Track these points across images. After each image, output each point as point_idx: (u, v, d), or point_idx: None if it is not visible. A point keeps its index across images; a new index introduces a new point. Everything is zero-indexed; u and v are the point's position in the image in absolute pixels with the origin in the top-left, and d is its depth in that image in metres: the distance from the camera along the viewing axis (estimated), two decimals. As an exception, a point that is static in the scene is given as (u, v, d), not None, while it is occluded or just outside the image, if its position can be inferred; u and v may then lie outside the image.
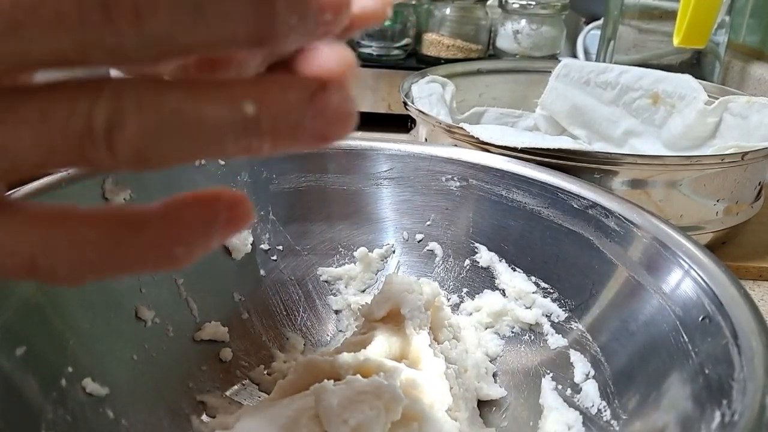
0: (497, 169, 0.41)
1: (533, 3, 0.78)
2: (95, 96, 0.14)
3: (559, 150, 0.44)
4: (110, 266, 0.16)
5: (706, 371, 0.26)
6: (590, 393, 0.33)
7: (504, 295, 0.40)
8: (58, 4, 0.13)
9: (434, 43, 0.79)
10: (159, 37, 0.14)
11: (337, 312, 0.43)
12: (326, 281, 0.43)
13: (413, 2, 0.79)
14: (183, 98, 0.14)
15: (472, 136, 0.47)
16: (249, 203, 0.16)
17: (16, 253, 0.15)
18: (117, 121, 0.14)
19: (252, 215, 0.17)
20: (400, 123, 0.67)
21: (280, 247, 0.42)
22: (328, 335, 0.42)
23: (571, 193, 0.38)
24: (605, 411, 0.32)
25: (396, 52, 0.79)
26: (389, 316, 0.37)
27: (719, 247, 0.51)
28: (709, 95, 0.60)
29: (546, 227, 0.39)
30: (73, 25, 0.13)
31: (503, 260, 0.41)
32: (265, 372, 0.38)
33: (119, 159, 0.14)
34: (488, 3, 0.81)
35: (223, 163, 0.41)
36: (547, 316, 0.38)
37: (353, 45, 0.77)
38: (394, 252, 0.44)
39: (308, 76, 0.16)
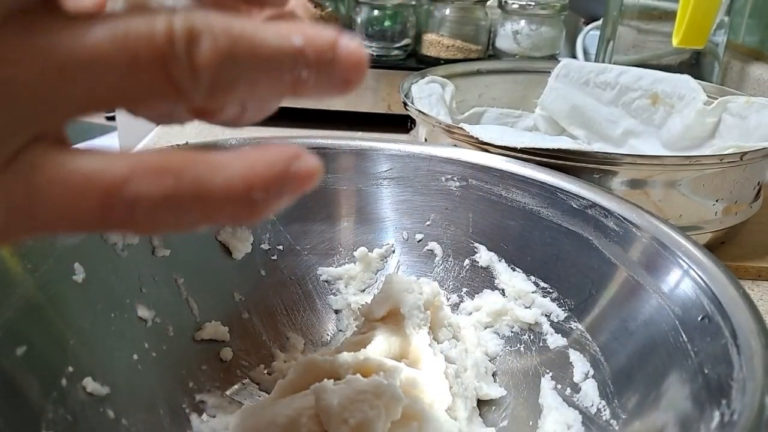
0: (497, 169, 0.41)
1: (533, 3, 0.78)
2: (170, 17, 0.14)
3: (559, 150, 0.44)
4: (188, 208, 0.15)
5: (706, 371, 0.26)
6: (589, 392, 0.33)
7: (503, 294, 0.40)
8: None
9: (434, 43, 0.79)
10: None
11: (337, 312, 0.43)
12: (326, 281, 0.43)
13: (413, 2, 0.79)
14: (246, 26, 0.15)
15: (472, 137, 0.47)
16: (318, 163, 0.16)
17: (87, 192, 0.14)
18: (195, 36, 0.14)
19: (319, 171, 0.16)
20: (400, 123, 0.67)
21: (281, 247, 0.42)
22: (328, 335, 0.42)
23: (571, 193, 0.38)
24: (604, 410, 0.32)
25: (396, 52, 0.79)
26: (389, 315, 0.38)
27: (718, 247, 0.51)
28: (708, 95, 0.60)
29: (545, 227, 0.39)
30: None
31: (503, 260, 0.41)
32: (265, 371, 0.38)
33: (199, 78, 0.14)
34: (488, 3, 0.81)
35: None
36: (546, 315, 0.38)
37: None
38: (393, 252, 0.44)
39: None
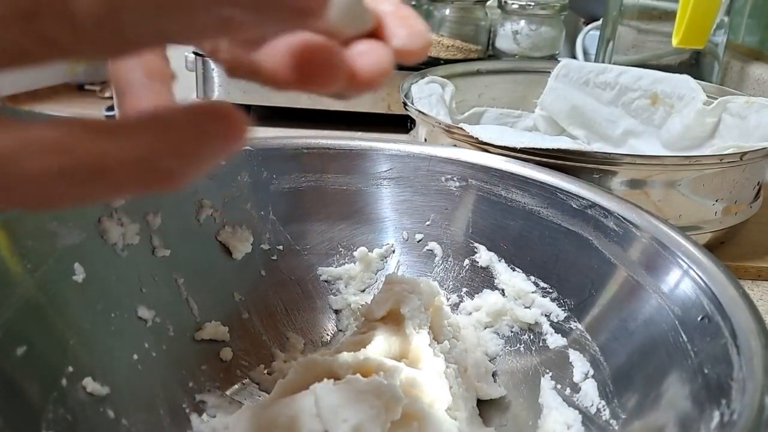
0: (496, 169, 0.41)
1: (532, 3, 0.78)
2: None
3: (558, 150, 0.44)
4: (84, 182, 0.14)
5: (705, 371, 0.26)
6: (589, 392, 0.33)
7: (503, 294, 0.40)
8: None
9: (434, 43, 0.79)
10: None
11: (337, 312, 0.43)
12: (326, 281, 0.43)
13: (413, 2, 0.79)
14: None
15: (472, 137, 0.47)
16: (244, 118, 0.15)
17: None
18: None
19: (246, 130, 0.15)
20: (400, 123, 0.67)
21: (280, 247, 0.42)
22: (328, 335, 0.42)
23: (570, 193, 0.38)
24: (604, 410, 0.32)
25: (395, 52, 0.79)
26: (389, 315, 0.38)
27: (718, 246, 0.51)
28: (707, 95, 0.60)
29: (545, 227, 0.39)
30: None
31: (502, 260, 0.41)
32: (265, 371, 0.38)
33: (78, 28, 0.12)
34: (488, 3, 0.81)
35: (223, 163, 0.41)
36: (546, 315, 0.38)
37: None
38: (393, 252, 0.44)
39: None
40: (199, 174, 0.15)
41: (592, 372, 0.34)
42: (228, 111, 0.15)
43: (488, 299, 0.40)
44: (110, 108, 2.52)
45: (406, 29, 0.20)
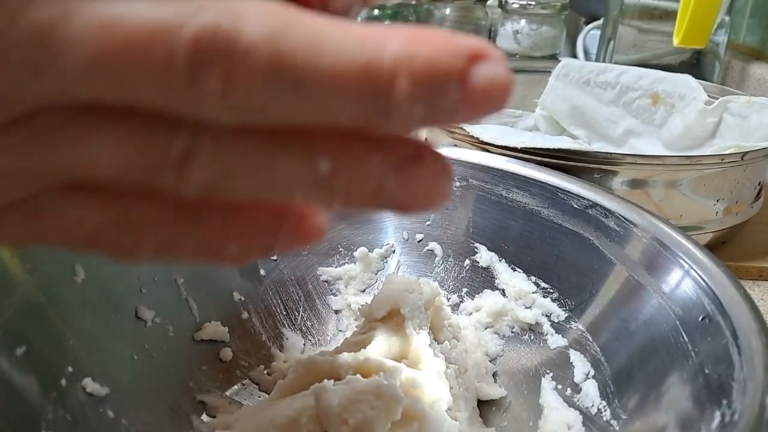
0: (497, 169, 0.41)
1: (533, 3, 0.78)
2: (173, 131, 0.13)
3: (559, 150, 0.44)
4: (168, 248, 0.15)
5: (706, 371, 0.26)
6: (590, 393, 0.33)
7: (504, 294, 0.40)
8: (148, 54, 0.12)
9: (434, 43, 0.79)
10: (246, 108, 0.13)
11: (337, 312, 0.43)
12: (326, 281, 0.43)
13: (413, 2, 0.79)
14: (257, 146, 0.13)
15: (472, 136, 0.47)
16: (320, 220, 0.16)
17: (83, 225, 0.15)
18: (191, 157, 0.13)
19: (322, 233, 0.16)
20: (400, 123, 0.67)
21: (280, 247, 0.42)
22: (328, 335, 0.42)
23: (571, 193, 0.38)
24: (605, 411, 0.32)
25: (396, 52, 0.79)
26: (389, 316, 0.37)
27: (719, 247, 0.51)
28: (708, 95, 0.60)
29: (546, 227, 0.39)
30: (155, 80, 0.12)
31: (503, 260, 0.41)
32: (265, 372, 0.38)
33: (186, 190, 0.14)
34: (488, 3, 0.81)
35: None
36: (546, 315, 0.38)
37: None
38: (394, 252, 0.44)
39: (404, 139, 0.14)
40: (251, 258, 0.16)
41: (592, 372, 0.34)
42: (303, 212, 0.15)
43: (489, 299, 0.40)
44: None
45: None
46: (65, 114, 0.13)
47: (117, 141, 0.13)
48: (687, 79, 0.62)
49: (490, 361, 0.39)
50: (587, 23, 0.89)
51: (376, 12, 0.78)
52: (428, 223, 0.43)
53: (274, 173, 0.13)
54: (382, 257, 0.44)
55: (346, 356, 0.34)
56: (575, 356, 0.35)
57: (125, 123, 0.13)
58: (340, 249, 0.44)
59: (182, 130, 0.13)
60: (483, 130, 0.47)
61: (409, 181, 0.13)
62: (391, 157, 0.13)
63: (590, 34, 0.87)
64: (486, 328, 0.40)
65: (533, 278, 0.39)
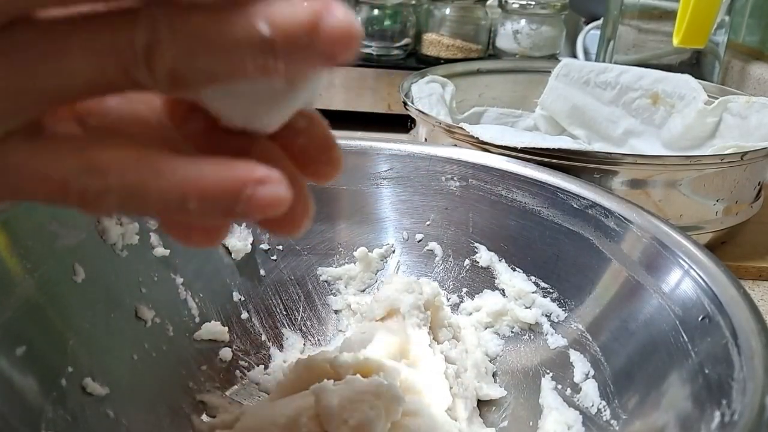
0: (497, 169, 0.41)
1: (533, 3, 0.78)
2: (131, 24, 0.15)
3: (559, 150, 0.44)
4: (132, 197, 0.16)
5: (706, 371, 0.26)
6: (590, 393, 0.33)
7: (504, 294, 0.40)
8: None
9: (434, 43, 0.79)
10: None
11: (337, 312, 0.43)
12: (326, 281, 0.43)
13: (413, 2, 0.79)
14: (206, 22, 0.15)
15: (472, 136, 0.47)
16: (282, 189, 0.16)
17: (49, 178, 0.16)
18: (154, 45, 0.15)
19: (283, 203, 0.16)
20: (400, 123, 0.67)
21: (280, 247, 0.42)
22: (328, 335, 0.42)
23: (571, 192, 0.38)
24: (605, 411, 0.32)
25: (396, 52, 0.79)
26: (389, 315, 0.38)
27: (719, 246, 0.51)
28: (708, 95, 0.60)
29: (546, 227, 0.39)
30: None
31: (503, 260, 0.41)
32: (265, 372, 0.38)
33: (158, 78, 0.15)
34: (488, 3, 0.81)
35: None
36: (546, 315, 0.38)
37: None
38: (394, 252, 0.44)
39: None
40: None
41: (592, 372, 0.34)
42: (276, 181, 0.16)
43: (489, 299, 0.40)
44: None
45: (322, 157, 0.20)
46: (35, 28, 0.16)
47: (87, 43, 0.15)
48: (687, 79, 0.62)
49: (490, 361, 0.39)
50: (587, 23, 0.89)
51: (376, 12, 0.78)
52: (428, 223, 0.43)
53: (226, 43, 0.15)
54: (382, 257, 0.44)
55: (346, 356, 0.34)
56: (575, 356, 0.35)
57: (90, 26, 0.16)
58: (340, 249, 0.44)
59: (140, 20, 0.15)
60: (483, 129, 0.47)
61: (332, 28, 0.15)
62: (312, 11, 0.15)
63: (590, 34, 0.87)
64: (486, 328, 0.40)
65: (533, 278, 0.39)
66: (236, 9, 0.15)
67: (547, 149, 0.44)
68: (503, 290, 0.40)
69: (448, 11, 0.79)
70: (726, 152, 0.51)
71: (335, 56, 0.15)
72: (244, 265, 0.41)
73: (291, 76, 0.16)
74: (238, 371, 0.38)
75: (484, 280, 0.41)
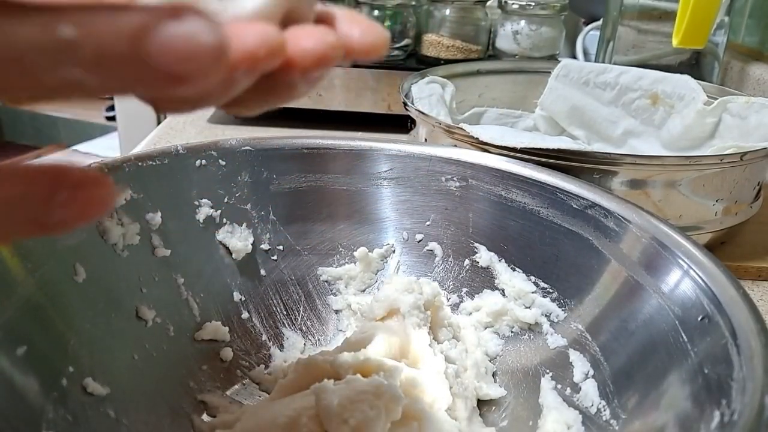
0: (497, 170, 0.41)
1: (532, 4, 0.78)
2: None
3: (559, 150, 0.44)
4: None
5: (705, 371, 0.26)
6: (589, 392, 0.33)
7: (503, 294, 0.40)
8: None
9: (434, 43, 0.79)
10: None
11: (337, 312, 0.43)
12: (326, 281, 0.43)
13: (413, 3, 0.79)
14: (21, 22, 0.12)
15: (472, 137, 0.47)
16: (101, 191, 0.14)
17: None
18: None
19: (104, 206, 0.14)
20: (400, 123, 0.67)
21: (281, 247, 0.42)
22: (328, 335, 0.42)
23: (571, 193, 0.38)
24: (604, 410, 0.32)
25: (396, 52, 0.79)
26: (389, 315, 0.38)
27: (718, 247, 0.51)
28: (708, 95, 0.60)
29: (545, 227, 0.39)
30: None
31: (503, 260, 0.41)
32: (266, 372, 0.38)
33: None
34: (488, 4, 0.81)
35: (224, 163, 0.41)
36: (546, 315, 0.38)
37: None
38: (394, 252, 0.44)
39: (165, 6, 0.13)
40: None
41: (592, 372, 0.34)
42: (86, 178, 0.14)
43: (488, 299, 0.40)
44: (110, 108, 2.52)
45: (359, 27, 0.18)
46: None
47: None
48: (686, 79, 0.62)
49: (490, 361, 0.39)
50: (587, 24, 0.89)
51: (376, 12, 0.78)
52: (428, 223, 0.43)
53: (12, 46, 0.12)
54: (382, 257, 0.44)
55: (346, 356, 0.34)
56: (575, 356, 0.35)
57: None
58: (340, 249, 0.44)
59: None
60: (483, 130, 0.47)
61: (168, 40, 0.12)
62: (143, 16, 0.12)
63: (590, 35, 0.87)
64: (486, 328, 0.40)
65: (533, 278, 0.39)
66: (40, 8, 0.12)
67: (547, 149, 0.44)
68: (503, 290, 0.40)
69: (447, 12, 0.79)
70: (725, 152, 0.51)
71: (174, 78, 0.12)
72: (244, 265, 0.41)
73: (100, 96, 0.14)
74: (238, 371, 0.38)
75: (484, 280, 0.41)
